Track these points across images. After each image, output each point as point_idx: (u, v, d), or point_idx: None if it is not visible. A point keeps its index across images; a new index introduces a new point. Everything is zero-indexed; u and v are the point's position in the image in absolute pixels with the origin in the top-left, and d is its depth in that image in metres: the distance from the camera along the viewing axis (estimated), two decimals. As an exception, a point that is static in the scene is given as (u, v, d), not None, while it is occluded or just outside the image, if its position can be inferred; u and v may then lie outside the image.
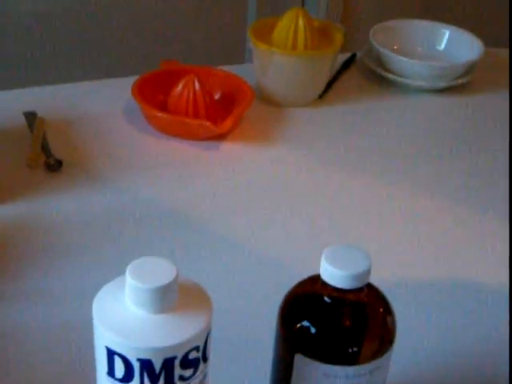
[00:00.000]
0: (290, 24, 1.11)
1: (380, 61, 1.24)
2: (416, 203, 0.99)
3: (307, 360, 0.59)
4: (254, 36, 1.13)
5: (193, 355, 0.51)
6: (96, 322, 0.51)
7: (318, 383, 0.59)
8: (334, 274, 0.57)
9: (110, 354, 0.50)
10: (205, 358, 0.53)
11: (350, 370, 0.59)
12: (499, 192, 1.00)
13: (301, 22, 1.10)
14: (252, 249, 0.88)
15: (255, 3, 1.87)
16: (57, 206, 0.92)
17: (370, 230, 0.93)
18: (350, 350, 0.59)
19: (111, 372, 0.51)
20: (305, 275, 0.61)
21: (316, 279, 0.59)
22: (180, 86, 1.07)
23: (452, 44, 1.28)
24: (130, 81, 1.11)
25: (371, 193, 1.00)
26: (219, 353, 0.70)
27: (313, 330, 0.59)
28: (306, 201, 0.98)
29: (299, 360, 0.59)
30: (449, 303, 0.83)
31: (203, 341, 0.52)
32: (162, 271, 0.50)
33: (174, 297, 0.51)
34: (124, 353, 0.50)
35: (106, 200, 0.94)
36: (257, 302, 0.79)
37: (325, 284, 0.58)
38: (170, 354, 0.50)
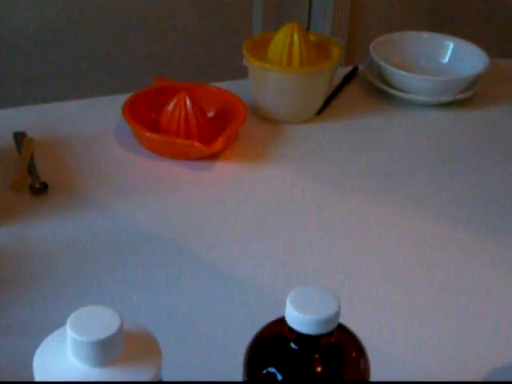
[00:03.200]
0: (285, 39, 1.08)
1: (381, 75, 1.20)
2: (419, 224, 0.95)
3: (272, 409, 0.56)
4: (248, 52, 1.10)
5: (139, 411, 0.48)
6: (36, 375, 0.48)
7: (284, 433, 0.56)
8: (299, 320, 0.54)
9: (51, 409, 0.48)
10: (155, 413, 0.50)
11: (319, 420, 0.56)
12: (506, 210, 0.95)
13: (296, 37, 1.07)
14: (237, 279, 0.85)
15: (261, 17, 1.84)
16: (39, 231, 0.90)
17: (367, 252, 0.90)
18: (319, 398, 0.56)
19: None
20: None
21: (283, 321, 0.56)
22: (171, 105, 1.04)
23: (456, 56, 1.24)
24: (122, 98, 1.09)
25: (371, 213, 0.96)
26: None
27: (279, 378, 0.56)
28: (303, 223, 0.94)
29: (264, 408, 0.56)
30: (435, 341, 0.78)
31: (151, 395, 0.49)
32: (105, 322, 0.47)
33: (118, 348, 0.48)
34: (63, 409, 0.47)
35: (91, 224, 0.92)
36: (230, 341, 0.76)
37: (291, 329, 0.55)
38: (112, 411, 0.47)
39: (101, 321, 0.47)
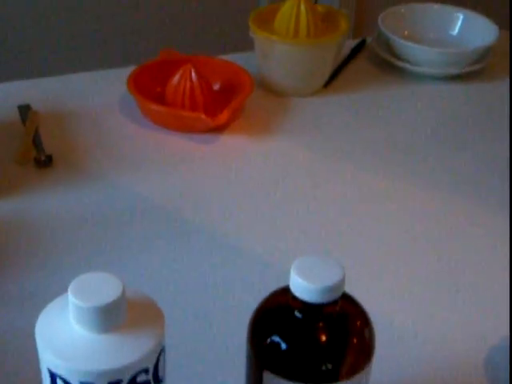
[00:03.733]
0: (292, 10, 1.06)
1: (390, 47, 1.19)
2: (427, 197, 0.94)
3: (276, 378, 0.55)
4: (254, 24, 1.08)
5: (142, 378, 0.48)
6: (38, 342, 0.48)
7: (288, 402, 0.56)
8: (304, 288, 0.53)
9: (53, 376, 0.47)
10: (157, 380, 0.50)
11: (322, 389, 0.55)
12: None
13: (302, 8, 1.06)
14: (243, 250, 0.84)
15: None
16: (44, 203, 0.90)
17: (371, 223, 0.89)
18: (324, 368, 0.55)
19: (56, 395, 0.48)
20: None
21: (287, 290, 0.55)
22: (177, 77, 1.03)
23: (466, 28, 1.22)
24: (128, 71, 1.08)
25: (378, 186, 0.95)
26: (187, 370, 0.67)
27: (282, 346, 0.55)
28: (308, 196, 0.93)
29: (268, 378, 0.55)
30: (437, 310, 0.78)
31: (153, 362, 0.48)
32: (107, 288, 0.47)
33: (120, 315, 0.47)
34: (65, 376, 0.47)
35: (95, 196, 0.91)
36: (234, 311, 0.75)
37: (295, 297, 0.54)
38: (114, 378, 0.47)
39: (103, 287, 0.47)
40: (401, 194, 0.94)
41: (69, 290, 0.47)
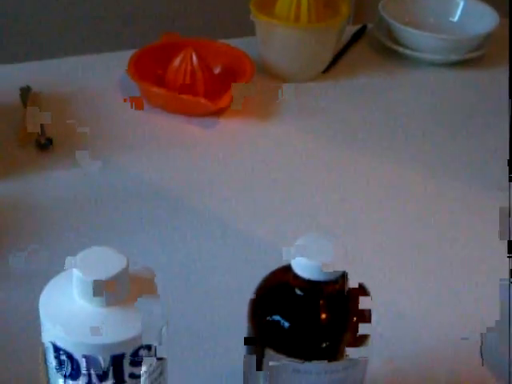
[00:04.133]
0: (293, -6, 1.06)
1: (390, 33, 1.19)
2: (425, 182, 0.94)
3: (277, 355, 0.55)
4: (255, 7, 1.08)
5: (144, 352, 0.48)
6: (42, 316, 0.48)
7: (288, 379, 0.56)
8: (304, 266, 0.54)
9: (56, 349, 0.48)
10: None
11: (322, 366, 0.55)
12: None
13: (304, -7, 1.06)
14: (243, 231, 0.84)
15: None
16: (45, 185, 0.90)
17: (373, 206, 0.90)
18: (324, 345, 0.56)
19: (59, 368, 0.49)
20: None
21: (288, 269, 0.56)
22: (177, 60, 1.04)
23: (466, 15, 1.22)
24: (129, 54, 1.08)
25: (377, 170, 0.96)
26: (188, 347, 0.67)
27: (283, 324, 0.56)
28: (307, 180, 0.94)
29: (269, 355, 0.56)
30: (437, 289, 0.79)
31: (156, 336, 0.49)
32: (111, 262, 0.47)
33: (123, 289, 0.48)
34: (69, 349, 0.47)
35: (96, 179, 0.91)
36: (235, 289, 0.75)
37: (296, 275, 0.55)
38: (117, 351, 0.47)
39: (106, 261, 0.47)
40: (399, 178, 0.95)
41: (72, 263, 0.47)
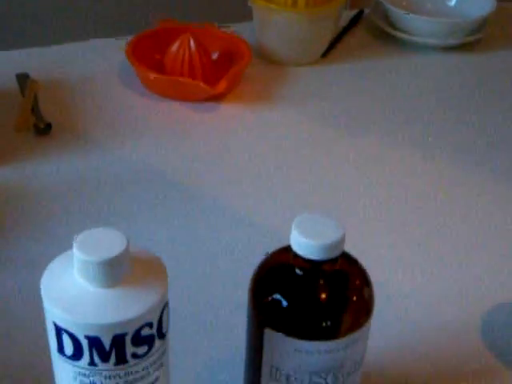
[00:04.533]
0: (291, -21, 1.06)
1: (388, 18, 1.19)
2: (424, 164, 0.95)
3: (277, 335, 0.56)
4: (252, -8, 1.08)
5: (146, 332, 0.48)
6: (43, 297, 0.48)
7: (288, 359, 0.57)
8: (304, 245, 0.54)
9: (58, 330, 0.48)
10: (161, 335, 0.50)
11: (323, 345, 0.56)
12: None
13: (301, -23, 1.06)
14: (243, 214, 0.85)
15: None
16: (44, 170, 0.90)
17: (373, 188, 0.90)
18: (324, 325, 0.56)
19: (61, 349, 0.49)
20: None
21: (288, 249, 0.56)
22: (175, 46, 1.04)
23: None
24: (127, 40, 1.08)
25: (375, 153, 0.96)
26: (189, 328, 0.68)
27: (283, 304, 0.56)
28: (306, 164, 0.94)
29: (269, 335, 0.56)
30: (437, 270, 0.79)
31: (157, 316, 0.49)
32: (112, 243, 0.47)
33: (124, 270, 0.48)
34: (71, 329, 0.47)
35: (94, 164, 0.92)
36: (236, 272, 0.76)
37: (296, 255, 0.55)
38: (119, 331, 0.47)
39: (107, 241, 0.47)
40: (398, 160, 0.95)
41: (73, 244, 0.47)
